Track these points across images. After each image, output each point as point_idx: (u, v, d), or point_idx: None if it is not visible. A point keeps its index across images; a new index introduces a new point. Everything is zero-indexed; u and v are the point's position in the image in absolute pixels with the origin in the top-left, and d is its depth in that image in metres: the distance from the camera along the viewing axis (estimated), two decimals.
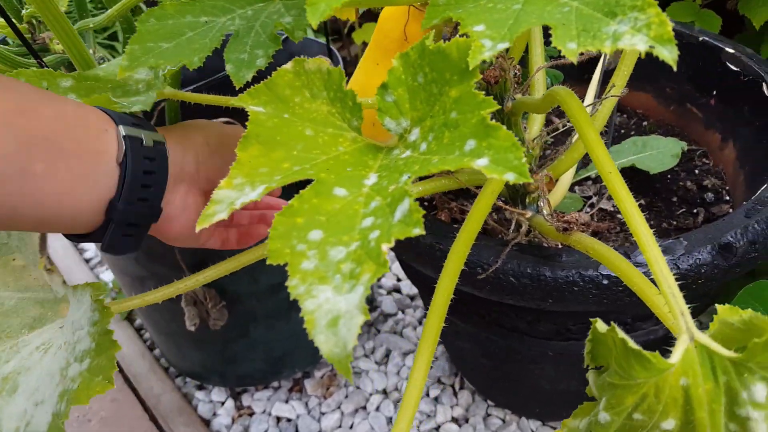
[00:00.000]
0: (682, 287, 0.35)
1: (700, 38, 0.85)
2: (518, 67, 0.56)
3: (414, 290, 1.32)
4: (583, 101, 0.75)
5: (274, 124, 0.39)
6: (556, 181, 0.62)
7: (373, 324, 1.26)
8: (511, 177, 0.31)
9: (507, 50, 0.59)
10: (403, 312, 1.28)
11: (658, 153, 0.81)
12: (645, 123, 0.95)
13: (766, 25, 0.97)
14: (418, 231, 0.31)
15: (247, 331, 0.97)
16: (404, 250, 0.68)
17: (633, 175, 0.86)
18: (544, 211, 0.57)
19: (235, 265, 0.56)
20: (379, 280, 1.28)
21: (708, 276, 0.58)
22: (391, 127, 0.40)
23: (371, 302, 1.28)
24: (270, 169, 0.37)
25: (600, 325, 0.34)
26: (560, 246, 0.68)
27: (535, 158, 0.62)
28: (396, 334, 1.24)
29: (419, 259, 0.67)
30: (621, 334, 0.32)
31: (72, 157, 0.42)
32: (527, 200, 0.64)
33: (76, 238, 0.47)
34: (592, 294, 0.60)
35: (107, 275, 1.31)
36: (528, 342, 0.77)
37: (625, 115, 0.99)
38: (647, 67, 0.84)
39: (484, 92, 0.58)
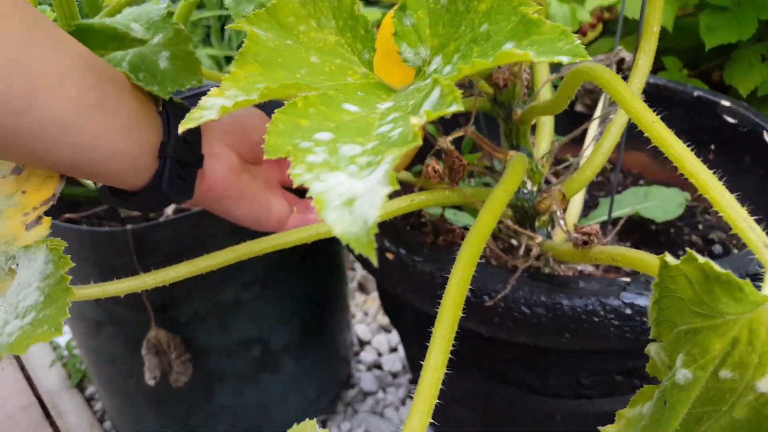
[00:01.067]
0: None
1: (695, 93, 0.85)
2: (528, 71, 0.53)
3: (397, 366, 1.22)
4: (583, 145, 0.72)
5: (275, 45, 0.34)
6: (567, 202, 0.57)
7: (351, 403, 1.15)
8: (565, 59, 0.26)
9: None
10: (384, 391, 1.18)
11: (662, 202, 0.78)
12: (641, 182, 0.93)
13: (753, 94, 0.99)
14: (456, 107, 0.26)
15: (212, 393, 0.87)
16: (398, 281, 0.62)
17: (634, 229, 0.82)
18: (561, 222, 0.51)
19: (212, 263, 0.49)
20: (358, 351, 1.19)
21: None
22: (409, 58, 0.35)
23: (348, 378, 1.18)
24: (268, 85, 0.31)
25: (669, 259, 0.28)
26: (575, 274, 0.63)
27: (543, 177, 0.58)
28: (376, 415, 1.13)
29: (416, 290, 0.60)
30: (701, 258, 0.26)
31: (133, 99, 0.49)
32: (537, 224, 0.59)
33: (120, 199, 0.54)
34: (613, 326, 0.54)
35: (62, 339, 1.19)
36: (534, 403, 0.69)
37: (620, 175, 0.97)
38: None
39: (493, 99, 0.56)
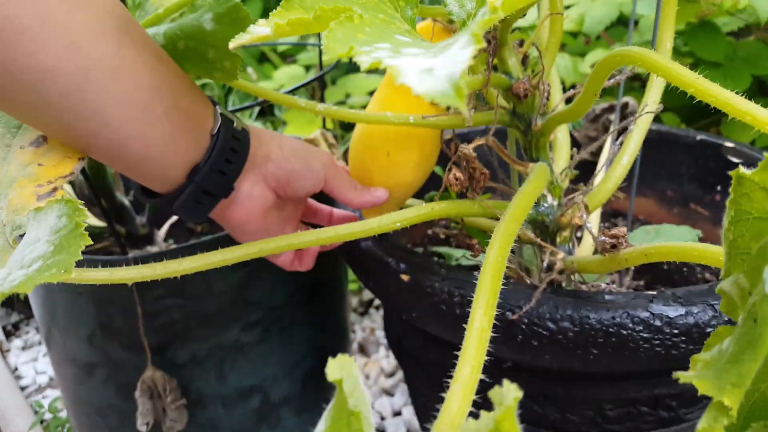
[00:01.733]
0: None
1: (698, 137, 0.86)
2: (547, 83, 0.53)
3: (401, 431, 1.15)
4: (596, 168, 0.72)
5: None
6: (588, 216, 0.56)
7: None
8: None
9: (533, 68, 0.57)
10: None
11: (674, 239, 0.77)
12: (648, 228, 0.92)
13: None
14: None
15: None
16: (414, 305, 0.59)
17: (647, 269, 0.80)
18: (588, 225, 0.50)
19: (228, 256, 0.46)
20: None
21: None
22: (455, 10, 0.35)
23: None
24: (322, 6, 0.31)
25: (743, 170, 0.27)
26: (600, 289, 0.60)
27: (563, 191, 0.57)
28: None
29: (433, 312, 0.58)
30: None
31: (184, 112, 0.48)
32: (558, 240, 0.57)
33: (147, 197, 0.53)
34: (642, 339, 0.51)
35: (45, 401, 1.12)
36: None
37: (626, 221, 0.96)
38: (646, 172, 0.84)
39: (512, 111, 0.56)
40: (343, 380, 0.23)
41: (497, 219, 0.55)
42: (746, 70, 0.98)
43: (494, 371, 0.62)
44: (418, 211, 0.54)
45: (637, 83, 1.18)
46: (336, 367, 0.23)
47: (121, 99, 0.42)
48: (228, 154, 0.51)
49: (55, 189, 0.40)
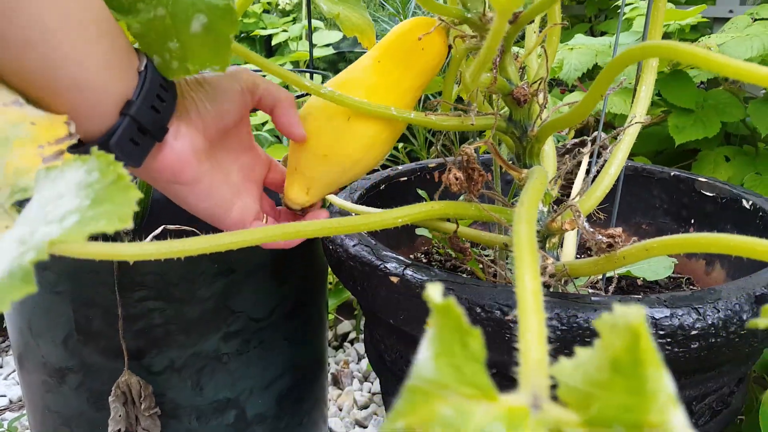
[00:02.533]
0: None
1: (672, 173, 0.90)
2: (546, 90, 0.56)
3: None
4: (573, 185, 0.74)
5: None
6: (562, 240, 0.58)
7: None
8: None
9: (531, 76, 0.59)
10: None
11: (650, 265, 0.79)
12: None
13: None
14: None
15: None
16: (402, 308, 0.59)
17: (622, 289, 0.82)
18: (585, 225, 0.51)
19: (235, 239, 0.45)
20: None
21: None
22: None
23: None
24: None
25: None
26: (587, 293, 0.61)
27: (553, 199, 0.59)
28: None
29: (422, 316, 0.58)
30: None
31: (116, 41, 0.46)
32: (547, 246, 0.59)
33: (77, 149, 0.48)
34: None
35: (5, 423, 1.07)
36: None
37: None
38: (621, 205, 0.87)
39: (508, 117, 0.58)
40: (451, 302, 0.22)
41: (483, 229, 0.57)
42: (716, 117, 1.04)
43: None
44: (420, 208, 0.55)
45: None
46: (436, 289, 0.22)
47: (60, 9, 0.41)
48: (159, 90, 0.49)
49: (61, 152, 0.39)
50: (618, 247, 0.51)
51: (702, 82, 1.11)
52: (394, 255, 0.63)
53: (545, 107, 0.56)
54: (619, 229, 0.50)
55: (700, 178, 0.87)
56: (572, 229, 0.57)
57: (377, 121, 0.58)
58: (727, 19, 1.32)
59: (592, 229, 0.51)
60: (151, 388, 0.72)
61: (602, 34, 1.76)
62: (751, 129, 1.10)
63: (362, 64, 0.60)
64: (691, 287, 0.85)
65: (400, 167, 0.95)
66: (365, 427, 1.09)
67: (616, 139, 0.60)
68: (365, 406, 1.14)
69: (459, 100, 0.66)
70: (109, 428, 0.69)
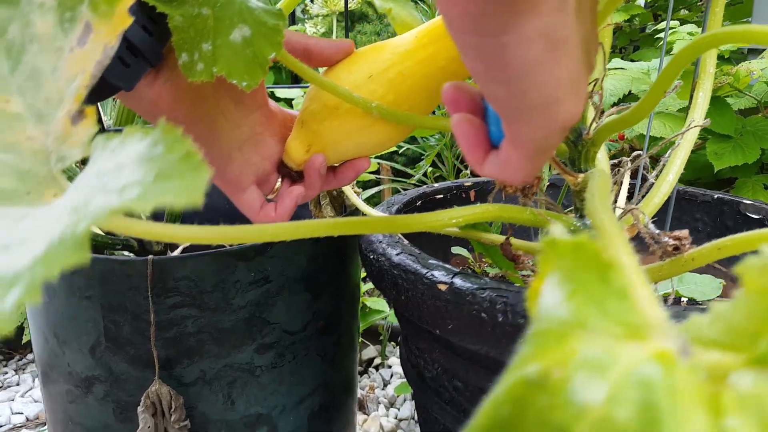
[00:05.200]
0: None
1: (716, 196, 0.88)
2: (600, 92, 0.54)
3: None
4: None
5: None
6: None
7: None
8: None
9: None
10: None
11: (699, 286, 0.77)
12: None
13: None
14: None
15: None
16: (450, 317, 0.57)
17: None
18: (648, 225, 0.49)
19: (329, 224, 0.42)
20: None
21: None
22: None
23: None
24: None
25: None
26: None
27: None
28: None
29: (471, 325, 0.56)
30: None
31: None
32: None
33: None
34: None
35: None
36: None
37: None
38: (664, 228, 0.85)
39: None
40: (584, 238, 0.20)
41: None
42: (755, 143, 1.02)
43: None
44: (474, 210, 0.53)
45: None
46: (559, 228, 0.21)
47: None
48: (151, 13, 0.46)
49: (81, 111, 0.36)
50: (685, 249, 0.49)
51: (739, 110, 1.10)
52: (441, 263, 0.61)
53: (601, 110, 0.54)
54: (686, 231, 0.48)
55: (744, 201, 0.84)
56: (631, 236, 0.55)
57: (399, 87, 0.54)
58: (760, 50, 1.31)
59: (657, 231, 0.49)
60: (182, 400, 0.69)
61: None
62: None
63: (401, 37, 0.57)
64: None
65: (436, 185, 0.94)
66: None
67: (667, 151, 0.59)
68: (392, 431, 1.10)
69: None
70: None
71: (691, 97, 0.57)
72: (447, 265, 0.61)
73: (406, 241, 0.68)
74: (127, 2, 0.35)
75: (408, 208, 0.86)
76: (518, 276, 0.69)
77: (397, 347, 1.32)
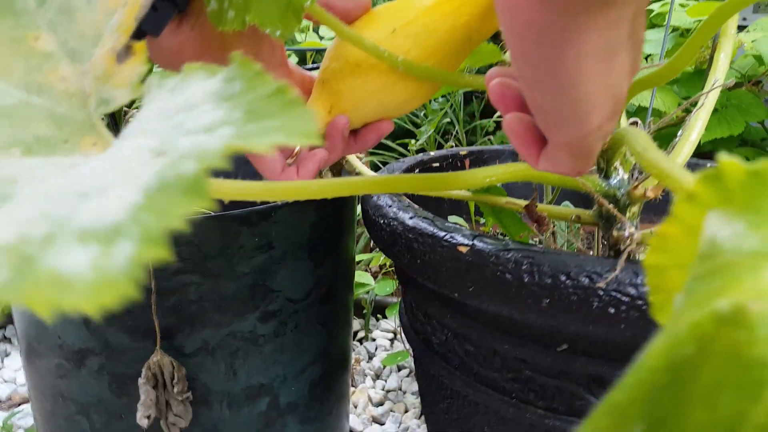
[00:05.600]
0: None
1: (708, 165, 0.90)
2: None
3: None
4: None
5: None
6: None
7: None
8: None
9: None
10: None
11: None
12: None
13: None
14: None
15: None
16: (472, 280, 0.56)
17: None
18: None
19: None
20: None
21: None
22: None
23: None
24: None
25: None
26: None
27: (634, 164, 0.56)
28: None
29: (495, 287, 0.55)
30: None
31: None
32: (627, 215, 0.57)
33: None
34: None
35: None
36: None
37: None
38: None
39: None
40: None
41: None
42: (740, 116, 1.04)
43: (546, 357, 0.59)
44: (505, 169, 0.52)
45: None
46: (726, 155, 0.19)
47: None
48: None
49: (128, 47, 0.33)
50: None
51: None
52: (459, 226, 0.60)
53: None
54: None
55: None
56: (655, 197, 0.55)
57: (425, 41, 0.52)
58: (742, 27, 1.34)
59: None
60: (185, 370, 0.67)
61: None
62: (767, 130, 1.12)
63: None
64: None
65: (432, 153, 0.92)
66: (382, 424, 1.04)
67: (691, 110, 0.59)
68: (380, 403, 1.09)
69: None
70: (138, 413, 0.63)
71: (712, 57, 0.57)
72: (465, 228, 0.60)
73: (416, 206, 0.67)
74: None
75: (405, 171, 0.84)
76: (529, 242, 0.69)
77: (380, 320, 1.31)
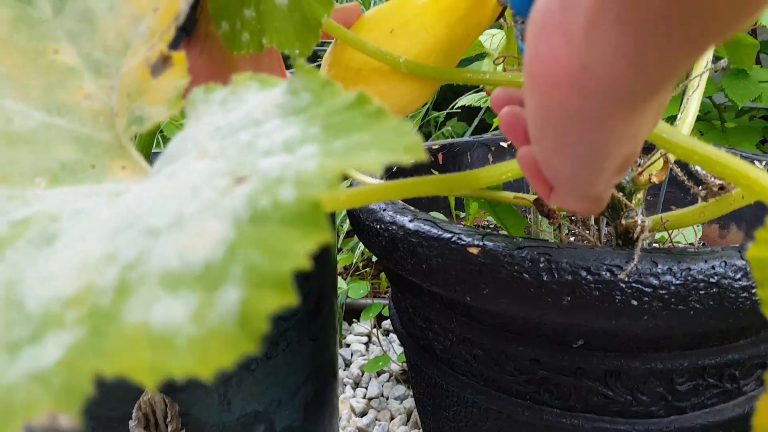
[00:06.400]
0: None
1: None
2: None
3: None
4: None
5: None
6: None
7: None
8: None
9: None
10: None
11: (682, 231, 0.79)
12: None
13: None
14: None
15: None
16: (486, 281, 0.54)
17: None
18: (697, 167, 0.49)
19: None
20: None
21: None
22: None
23: None
24: None
25: None
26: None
27: None
28: None
29: (512, 287, 0.53)
30: None
31: None
32: (633, 202, 0.56)
33: None
34: (741, 288, 0.50)
35: None
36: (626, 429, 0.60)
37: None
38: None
39: None
40: None
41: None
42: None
43: (562, 355, 0.58)
44: (508, 167, 0.51)
45: None
46: None
47: None
48: None
49: (166, 58, 0.29)
50: (730, 188, 0.48)
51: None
52: (464, 227, 0.58)
53: None
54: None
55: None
56: (659, 182, 0.55)
57: (423, 39, 0.51)
58: None
59: (702, 171, 0.48)
60: (178, 408, 0.62)
61: None
62: (717, 105, 1.15)
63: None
64: None
65: None
66: None
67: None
68: (364, 413, 1.06)
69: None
70: None
71: None
72: (470, 228, 0.58)
73: (412, 207, 0.64)
74: None
75: (388, 175, 0.82)
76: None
77: (353, 324, 1.28)
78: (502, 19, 0.60)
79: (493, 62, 0.54)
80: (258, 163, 0.21)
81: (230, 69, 0.45)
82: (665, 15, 0.22)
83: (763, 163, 0.81)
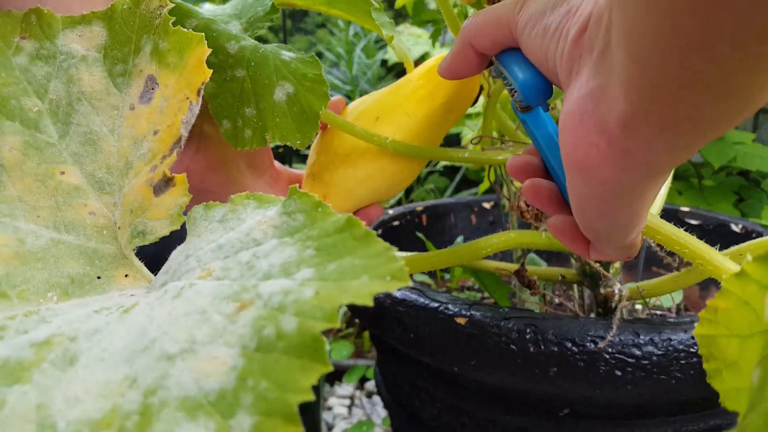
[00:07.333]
0: None
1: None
2: None
3: None
4: None
5: None
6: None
7: None
8: None
9: None
10: None
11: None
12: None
13: None
14: None
15: None
16: (473, 352, 0.55)
17: None
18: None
19: None
20: None
21: None
22: None
23: None
24: None
25: None
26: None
27: None
28: None
29: (499, 359, 0.54)
30: None
31: None
32: (611, 271, 0.57)
33: None
34: None
35: None
36: None
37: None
38: None
39: None
40: None
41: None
42: None
43: (548, 423, 0.58)
44: (499, 238, 0.53)
45: None
46: None
47: None
48: None
49: (169, 179, 0.31)
50: None
51: None
52: (450, 296, 0.59)
53: None
54: None
55: (682, 208, 0.91)
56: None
57: (406, 125, 0.55)
58: None
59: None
60: None
61: None
62: (694, 165, 1.19)
63: (401, 81, 0.57)
64: (688, 312, 0.87)
65: (391, 211, 0.91)
66: None
67: None
68: None
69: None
70: None
71: None
72: (456, 297, 0.59)
73: None
74: (202, 50, 0.30)
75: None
76: (509, 302, 0.69)
77: (335, 386, 1.27)
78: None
79: (471, 142, 0.57)
80: (259, 287, 0.22)
81: (224, 163, 0.47)
82: (696, 119, 0.27)
83: (740, 226, 0.83)
